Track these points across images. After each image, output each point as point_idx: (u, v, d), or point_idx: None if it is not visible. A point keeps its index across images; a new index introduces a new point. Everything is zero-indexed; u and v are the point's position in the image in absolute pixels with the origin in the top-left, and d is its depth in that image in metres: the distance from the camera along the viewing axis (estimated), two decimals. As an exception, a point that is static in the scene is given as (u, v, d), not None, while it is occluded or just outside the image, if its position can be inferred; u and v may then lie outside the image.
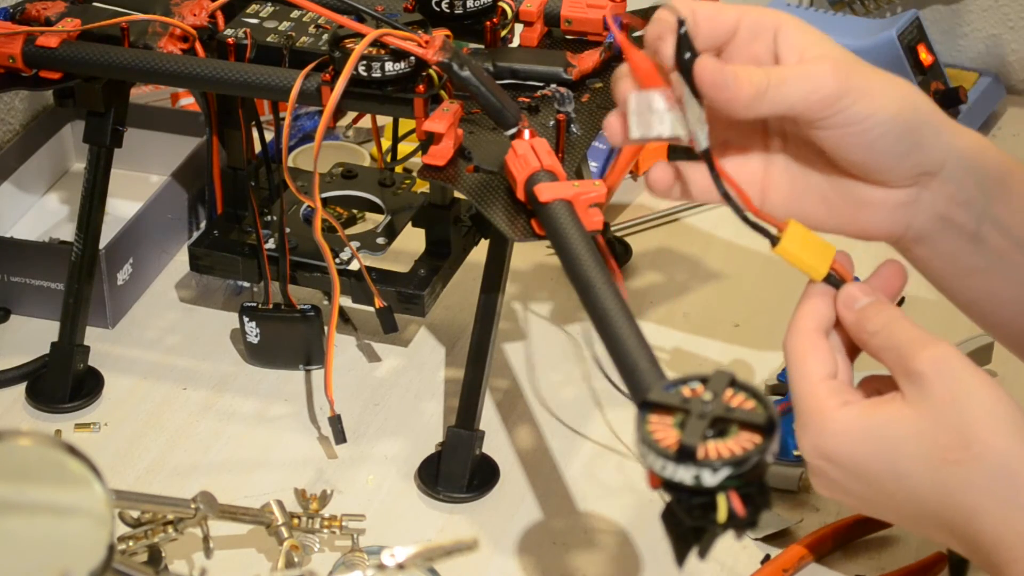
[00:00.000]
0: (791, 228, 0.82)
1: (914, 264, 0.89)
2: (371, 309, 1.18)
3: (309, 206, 1.19)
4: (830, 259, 0.82)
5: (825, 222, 0.87)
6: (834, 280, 0.82)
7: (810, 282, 0.83)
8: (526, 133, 1.04)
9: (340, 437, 1.14)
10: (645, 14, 0.83)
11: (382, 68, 1.05)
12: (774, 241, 0.82)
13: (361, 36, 1.05)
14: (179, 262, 1.34)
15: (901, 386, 0.79)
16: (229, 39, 1.14)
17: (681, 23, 0.80)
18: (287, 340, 1.21)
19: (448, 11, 1.17)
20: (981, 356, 1.20)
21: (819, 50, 0.83)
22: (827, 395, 0.79)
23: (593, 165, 1.37)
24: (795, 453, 1.10)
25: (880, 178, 0.85)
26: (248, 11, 1.18)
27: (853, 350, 0.83)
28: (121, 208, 1.35)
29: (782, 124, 0.86)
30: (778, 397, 1.16)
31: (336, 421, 1.14)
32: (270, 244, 1.21)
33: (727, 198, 0.82)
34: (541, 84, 1.13)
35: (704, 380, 0.77)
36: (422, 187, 1.28)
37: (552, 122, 1.09)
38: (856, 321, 0.82)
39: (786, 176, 0.86)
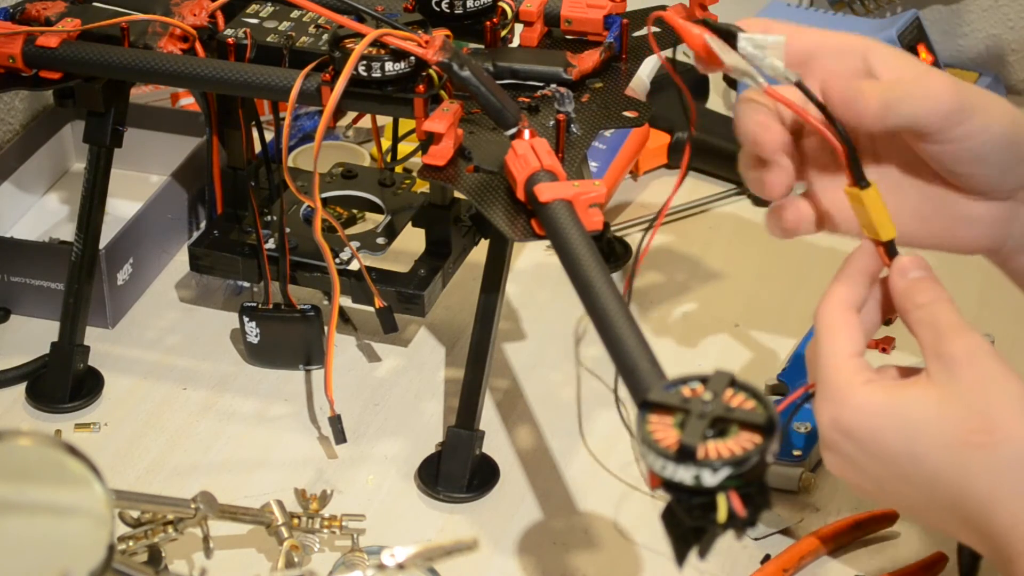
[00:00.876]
0: (875, 187, 0.83)
1: (1011, 276, 0.91)
2: (371, 309, 1.18)
3: (309, 206, 1.19)
4: (894, 230, 0.83)
5: (918, 237, 0.88)
6: (892, 248, 0.83)
7: (861, 245, 0.84)
8: (526, 133, 1.04)
9: (340, 437, 1.14)
10: (725, 33, 0.84)
11: (382, 68, 1.05)
12: (864, 184, 0.82)
13: (361, 36, 1.05)
14: (179, 262, 1.34)
15: (930, 365, 0.80)
16: (229, 39, 1.14)
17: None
18: (287, 340, 1.21)
19: (448, 11, 1.17)
20: None
21: (918, 68, 0.85)
22: (854, 371, 0.80)
23: (593, 165, 1.37)
24: (795, 453, 1.10)
25: (984, 191, 0.86)
26: (248, 11, 1.18)
27: (882, 316, 0.84)
28: (121, 208, 1.35)
29: (874, 143, 0.88)
30: (778, 397, 1.16)
31: (336, 421, 1.14)
32: (270, 244, 1.21)
33: (840, 134, 0.82)
34: (541, 84, 1.13)
35: (704, 380, 0.77)
36: (422, 187, 1.28)
37: (552, 122, 1.09)
38: (906, 289, 0.82)
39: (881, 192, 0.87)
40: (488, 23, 1.17)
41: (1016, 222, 0.88)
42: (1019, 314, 1.24)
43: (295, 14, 1.16)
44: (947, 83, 0.83)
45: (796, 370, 1.17)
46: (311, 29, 1.15)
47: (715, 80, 1.59)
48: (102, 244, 1.22)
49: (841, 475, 0.81)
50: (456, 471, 1.12)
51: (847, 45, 0.86)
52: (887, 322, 0.86)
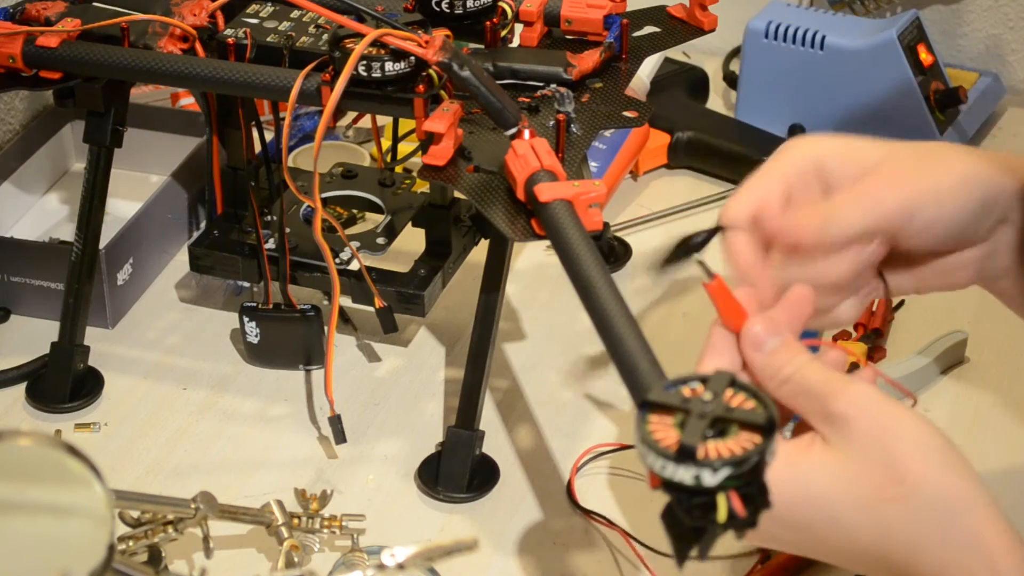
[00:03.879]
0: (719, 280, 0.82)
1: (999, 297, 0.91)
2: (371, 309, 1.18)
3: (309, 206, 1.19)
4: (744, 318, 0.81)
5: (917, 290, 0.90)
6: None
7: (713, 324, 0.82)
8: (526, 133, 1.04)
9: (340, 437, 1.14)
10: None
11: (382, 68, 1.05)
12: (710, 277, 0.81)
13: (361, 36, 1.05)
14: (179, 262, 1.34)
15: (821, 431, 0.78)
16: (229, 39, 1.14)
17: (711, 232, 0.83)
18: (287, 340, 1.21)
19: (448, 11, 1.17)
20: (955, 352, 1.21)
21: (872, 155, 0.85)
22: None
23: (593, 165, 1.37)
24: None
25: (963, 246, 0.87)
26: (248, 11, 1.18)
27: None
28: (121, 208, 1.35)
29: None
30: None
31: (336, 421, 1.14)
32: (270, 244, 1.21)
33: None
34: (541, 84, 1.13)
35: (704, 380, 0.77)
36: (422, 187, 1.28)
37: (552, 122, 1.09)
38: (765, 366, 0.80)
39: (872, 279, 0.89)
40: (488, 23, 1.17)
41: (996, 255, 0.88)
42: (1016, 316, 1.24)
43: (295, 14, 1.16)
44: (888, 188, 0.83)
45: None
46: (311, 29, 1.15)
47: (715, 80, 1.59)
48: (102, 244, 1.22)
49: (761, 545, 0.81)
50: (456, 471, 1.12)
51: (800, 168, 0.85)
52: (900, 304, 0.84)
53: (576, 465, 1.12)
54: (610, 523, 1.08)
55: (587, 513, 1.09)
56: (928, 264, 0.89)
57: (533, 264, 1.35)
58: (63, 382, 1.20)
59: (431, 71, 1.06)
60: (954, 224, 0.85)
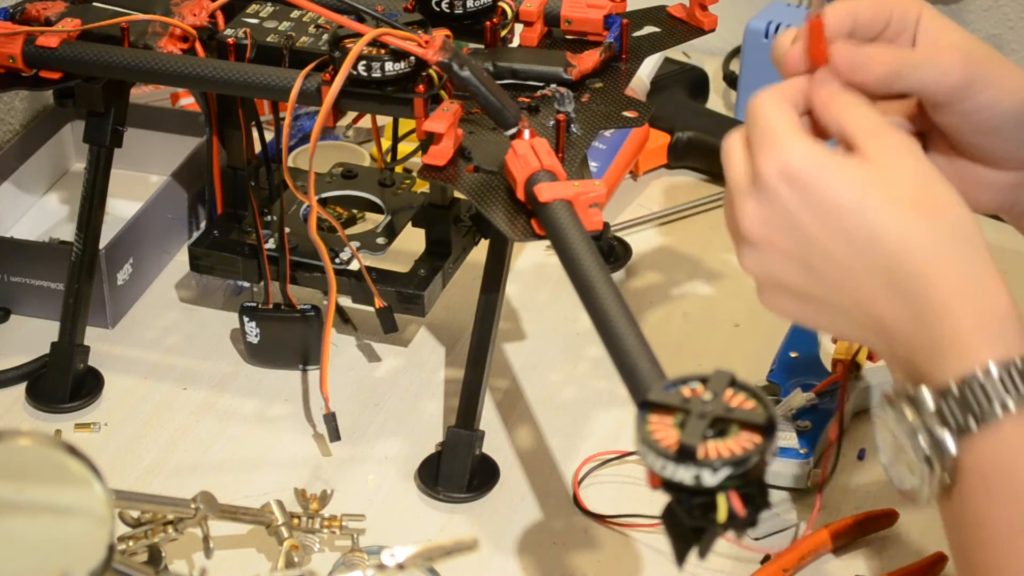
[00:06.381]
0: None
1: (1022, 232, 0.93)
2: (371, 309, 1.18)
3: (309, 206, 1.19)
4: (824, 62, 0.83)
5: None
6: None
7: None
8: (526, 133, 1.04)
9: (335, 435, 1.14)
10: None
11: (382, 68, 1.05)
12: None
13: (361, 36, 1.05)
14: (179, 262, 1.34)
15: (868, 147, 0.79)
16: (229, 39, 1.14)
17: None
18: (287, 340, 1.21)
19: (448, 11, 1.17)
20: None
21: (952, 39, 0.86)
22: (798, 124, 0.80)
23: (593, 165, 1.37)
24: (801, 451, 1.10)
25: (995, 161, 0.88)
26: (248, 11, 1.18)
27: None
28: (121, 208, 1.35)
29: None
30: (771, 398, 1.16)
31: (331, 419, 1.13)
32: (270, 244, 1.21)
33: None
34: (541, 84, 1.13)
35: (704, 380, 0.77)
36: (422, 187, 1.28)
37: (552, 122, 1.09)
38: (826, 89, 0.82)
39: None
40: (488, 23, 1.17)
41: None
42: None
43: (295, 14, 1.16)
44: (960, 58, 0.85)
45: (783, 371, 1.17)
46: (311, 29, 1.15)
47: (715, 80, 1.59)
48: (102, 244, 1.22)
49: (763, 234, 0.79)
50: (456, 471, 1.12)
51: (907, 12, 0.87)
52: None
53: (576, 477, 1.12)
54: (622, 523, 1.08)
55: (599, 518, 1.09)
56: (959, 162, 0.89)
57: (533, 264, 1.35)
58: (63, 382, 1.20)
59: (431, 71, 1.06)
60: (1003, 121, 0.86)
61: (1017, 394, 0.74)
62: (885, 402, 0.77)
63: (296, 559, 1.01)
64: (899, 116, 0.89)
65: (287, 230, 1.19)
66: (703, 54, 1.61)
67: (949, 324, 0.76)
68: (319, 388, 1.14)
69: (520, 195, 1.01)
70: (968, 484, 0.75)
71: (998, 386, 0.74)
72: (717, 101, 1.59)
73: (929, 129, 0.89)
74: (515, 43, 1.20)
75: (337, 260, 1.19)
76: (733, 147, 0.83)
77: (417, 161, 1.14)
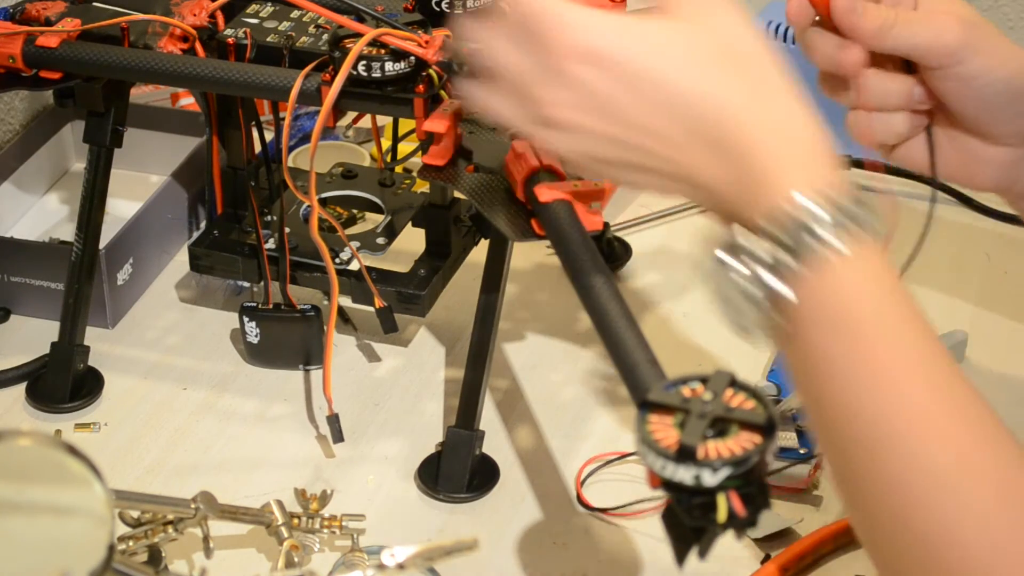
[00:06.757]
0: None
1: (1021, 215, 0.94)
2: (371, 309, 1.18)
3: (309, 206, 1.19)
4: None
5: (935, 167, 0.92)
6: None
7: None
8: (526, 133, 1.04)
9: (338, 436, 1.14)
10: None
11: (382, 68, 1.05)
12: None
13: (361, 36, 1.05)
14: (179, 262, 1.34)
15: (675, 4, 0.78)
16: (229, 39, 1.14)
17: None
18: (287, 340, 1.21)
19: (448, 11, 1.17)
20: (955, 352, 1.21)
21: (952, 6, 0.89)
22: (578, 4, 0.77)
23: (593, 165, 1.37)
24: (801, 451, 1.10)
25: (991, 135, 0.90)
26: (248, 11, 1.18)
27: None
28: (121, 208, 1.35)
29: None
30: (771, 398, 1.16)
31: (334, 420, 1.14)
32: (270, 244, 1.21)
33: None
34: (541, 84, 1.13)
35: (704, 380, 0.77)
36: (422, 187, 1.28)
37: (552, 122, 1.08)
38: None
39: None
40: (488, 23, 1.17)
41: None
42: (1019, 312, 1.24)
43: (295, 14, 1.17)
44: (956, 22, 0.87)
45: (783, 371, 1.18)
46: (311, 29, 1.15)
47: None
48: (102, 244, 1.22)
49: (573, 118, 0.77)
50: (456, 471, 1.12)
51: None
52: None
53: (579, 478, 1.12)
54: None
55: (602, 511, 1.09)
56: (960, 137, 0.91)
57: (533, 264, 1.35)
58: (63, 382, 1.20)
59: (431, 71, 1.06)
60: (996, 91, 0.88)
61: (838, 229, 0.72)
62: (708, 256, 0.76)
63: (296, 559, 1.01)
64: (909, 88, 0.90)
65: (287, 230, 1.19)
66: (703, 54, 1.61)
67: (759, 163, 0.75)
68: (321, 388, 1.14)
69: (520, 195, 1.01)
70: (807, 329, 0.74)
71: (806, 216, 0.73)
72: (717, 101, 1.58)
73: (936, 107, 0.91)
74: (515, 43, 1.20)
75: (337, 260, 1.19)
76: (496, 45, 0.79)
77: (417, 161, 1.14)
